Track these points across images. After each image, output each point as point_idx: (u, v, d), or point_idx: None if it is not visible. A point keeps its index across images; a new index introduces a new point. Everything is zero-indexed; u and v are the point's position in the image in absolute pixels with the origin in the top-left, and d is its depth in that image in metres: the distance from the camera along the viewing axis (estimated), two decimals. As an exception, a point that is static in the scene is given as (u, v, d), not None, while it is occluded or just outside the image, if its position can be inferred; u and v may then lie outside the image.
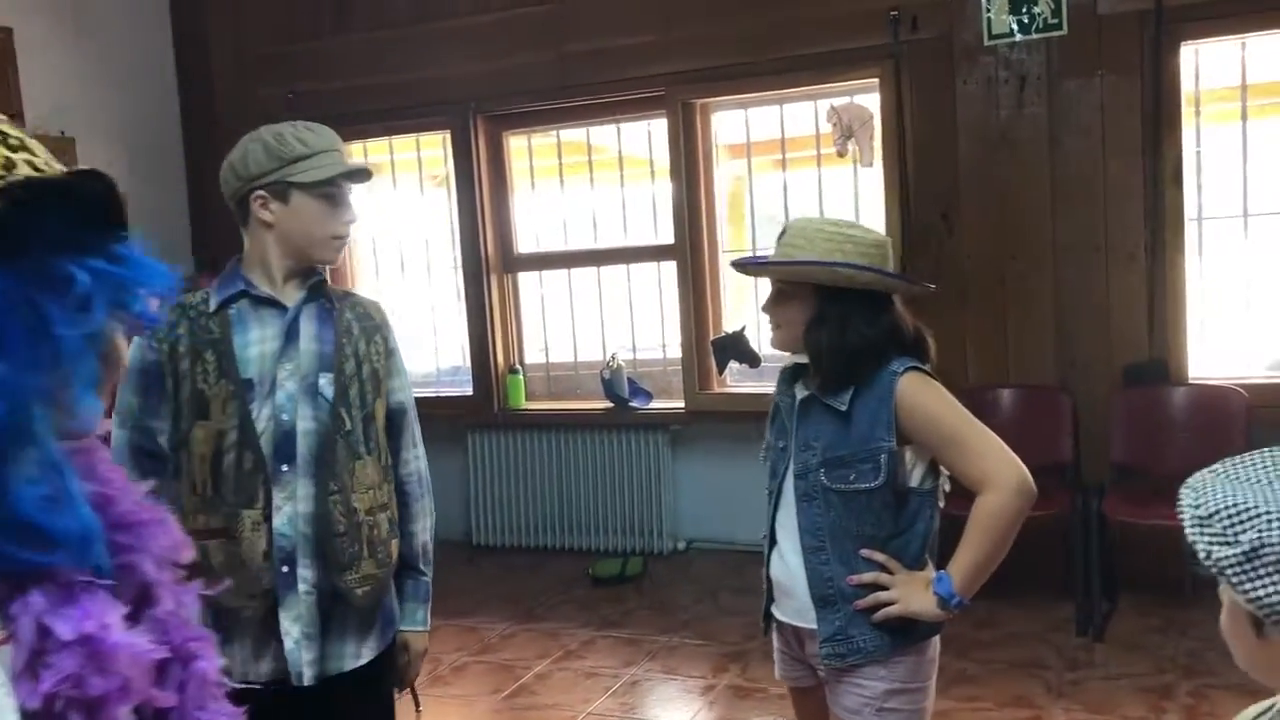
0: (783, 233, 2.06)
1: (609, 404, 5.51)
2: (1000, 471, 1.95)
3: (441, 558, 5.50)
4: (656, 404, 5.51)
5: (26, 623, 0.91)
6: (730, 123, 5.35)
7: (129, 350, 1.51)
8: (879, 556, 2.01)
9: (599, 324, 5.73)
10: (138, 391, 2.06)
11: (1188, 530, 1.09)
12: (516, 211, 5.77)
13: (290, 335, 2.08)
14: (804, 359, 2.08)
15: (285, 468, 2.03)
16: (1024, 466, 1.96)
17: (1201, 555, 1.08)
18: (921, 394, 1.99)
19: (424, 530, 2.29)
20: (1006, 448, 1.98)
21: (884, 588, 2.00)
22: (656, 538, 5.48)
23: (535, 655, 4.43)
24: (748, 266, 2.15)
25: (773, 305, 2.08)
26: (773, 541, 2.12)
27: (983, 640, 4.23)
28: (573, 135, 5.78)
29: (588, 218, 5.73)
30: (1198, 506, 1.10)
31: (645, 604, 4.96)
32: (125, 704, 0.97)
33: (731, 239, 5.45)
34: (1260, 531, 1.08)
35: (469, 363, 5.79)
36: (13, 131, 1.00)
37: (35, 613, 0.91)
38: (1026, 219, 4.68)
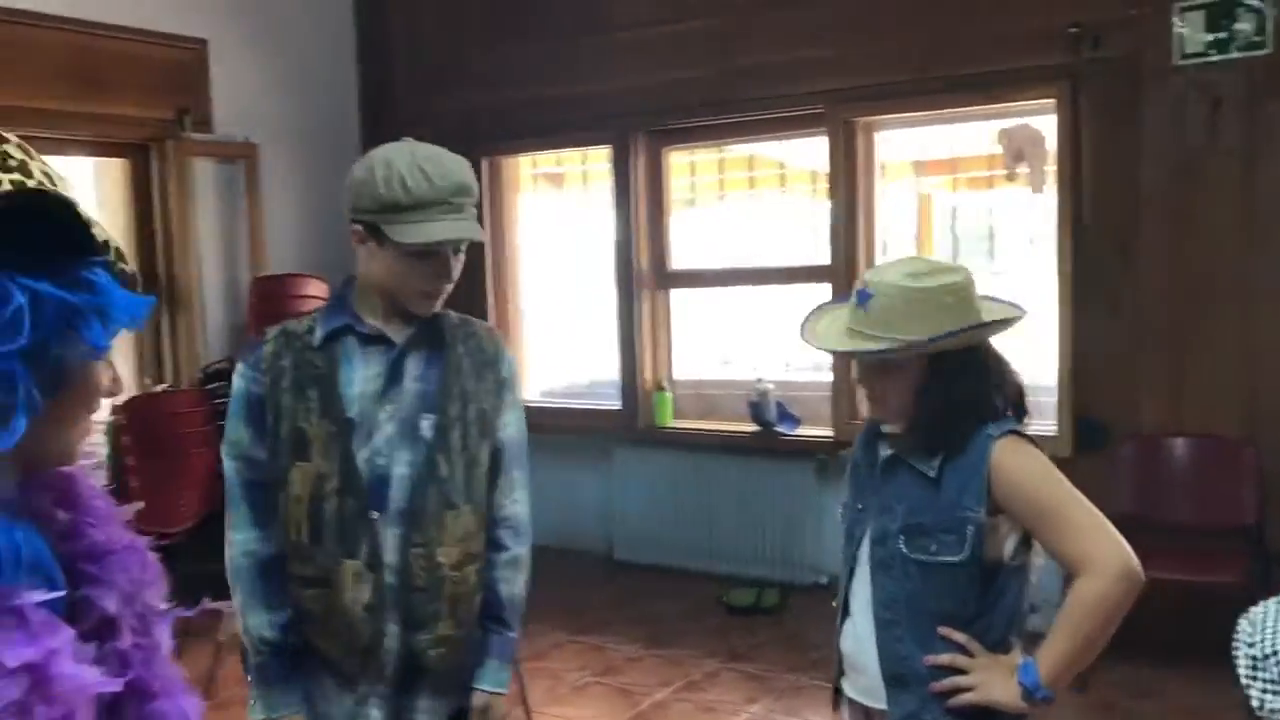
0: (865, 295, 1.84)
1: (756, 427, 5.37)
2: (1103, 553, 1.73)
3: (579, 572, 5.62)
4: (805, 431, 5.34)
5: None
6: (903, 140, 5.13)
7: (237, 382, 1.95)
8: (959, 636, 1.82)
9: (751, 344, 5.60)
10: (245, 422, 1.95)
11: (1240, 670, 0.91)
12: (673, 227, 5.70)
13: (394, 374, 1.94)
14: (895, 426, 1.91)
15: (375, 515, 1.91)
16: (1130, 550, 1.74)
17: (1254, 705, 0.90)
18: (1018, 461, 1.80)
19: (516, 582, 2.06)
20: (1111, 527, 1.76)
21: (963, 671, 1.81)
22: (796, 569, 5.30)
23: (658, 682, 4.34)
24: (850, 354, 1.93)
25: (875, 379, 1.89)
26: (846, 611, 1.96)
27: (1146, 712, 3.89)
28: (736, 150, 5.68)
29: (746, 235, 5.61)
30: (1253, 645, 0.91)
31: (777, 638, 4.80)
32: None
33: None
34: None
35: (619, 376, 5.75)
36: (15, 154, 1.01)
37: None
38: (1215, 254, 4.29)
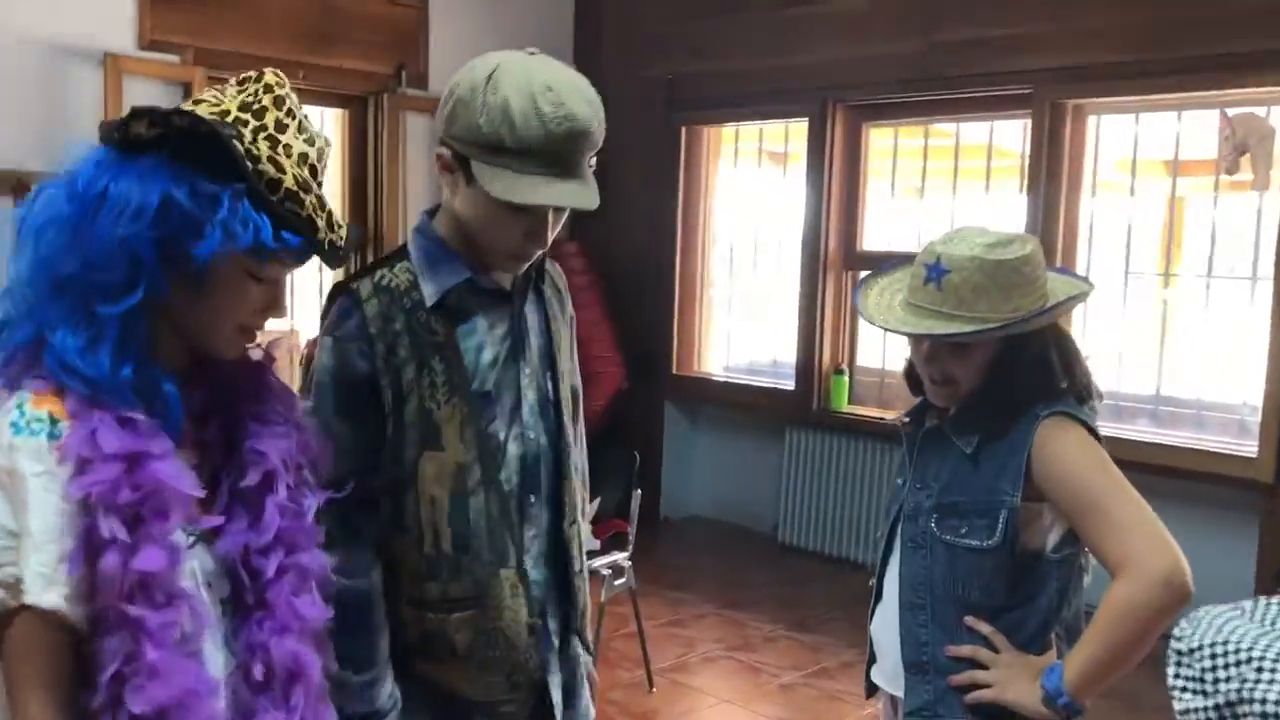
0: (939, 270, 1.69)
1: (932, 420, 5.14)
2: (1145, 555, 1.56)
3: (740, 549, 5.59)
4: (984, 428, 5.06)
5: (82, 433, 1.12)
6: (1125, 130, 4.74)
7: (325, 357, 1.62)
8: (985, 628, 1.69)
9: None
10: (344, 412, 1.57)
11: (1168, 666, 0.82)
12: (868, 207, 5.53)
13: (519, 331, 1.67)
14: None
15: (533, 499, 1.66)
16: (1178, 555, 1.56)
17: (1173, 700, 0.80)
18: (1062, 445, 1.65)
19: (586, 538, 1.86)
20: (1161, 528, 1.59)
21: (984, 666, 1.68)
22: (960, 571, 5.05)
23: (790, 665, 4.26)
24: (927, 338, 1.73)
25: (948, 361, 1.73)
26: (880, 594, 1.85)
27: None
28: (941, 138, 5.44)
29: (945, 222, 5.36)
30: (1180, 639, 0.82)
31: (925, 638, 4.60)
32: (161, 523, 1.14)
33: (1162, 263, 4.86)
34: (1244, 682, 0.77)
35: (796, 357, 5.64)
36: (208, 96, 1.26)
37: (89, 427, 1.12)
38: None
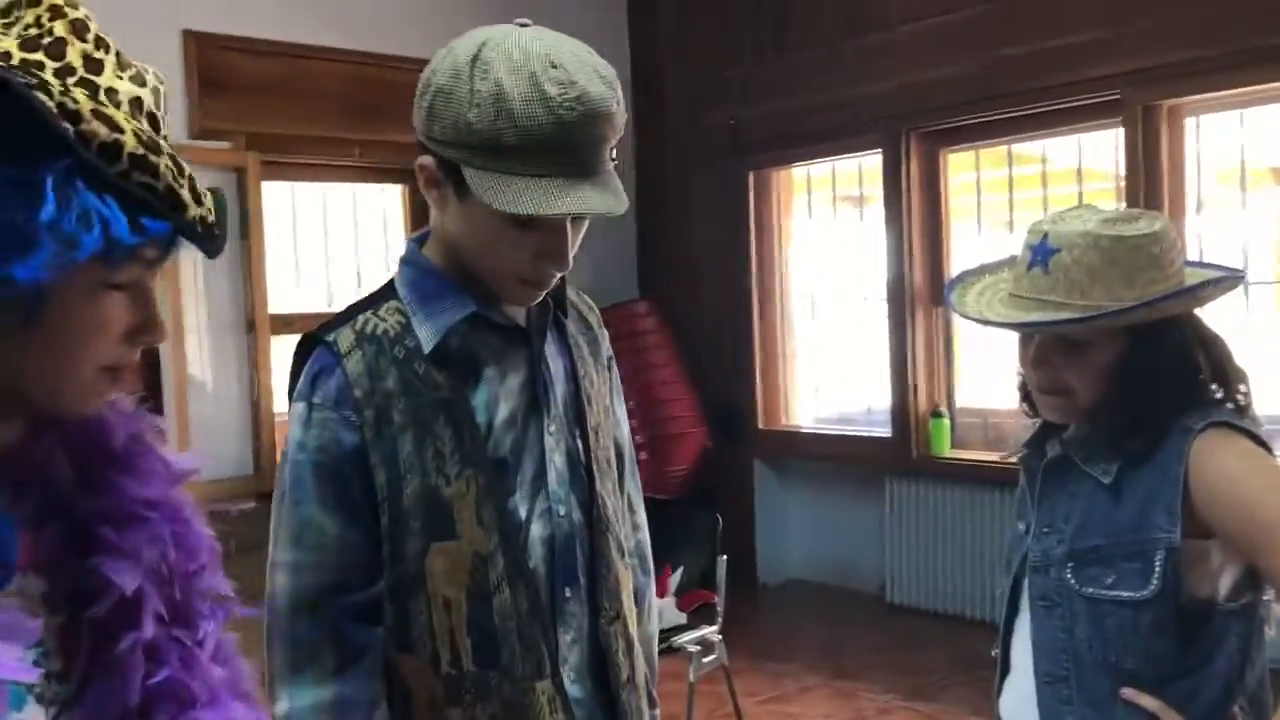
0: (1046, 250, 1.40)
1: (1043, 459, 4.75)
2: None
3: (845, 611, 5.20)
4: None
5: None
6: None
7: (298, 430, 1.26)
8: (1149, 702, 1.36)
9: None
10: (331, 505, 1.27)
11: None
12: (952, 236, 5.20)
13: (540, 379, 1.36)
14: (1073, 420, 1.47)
15: (569, 592, 1.34)
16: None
17: None
18: (1226, 462, 1.33)
19: (651, 634, 1.57)
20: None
21: (1152, 752, 1.35)
22: (1090, 623, 4.61)
23: (907, 740, 3.88)
24: (1039, 326, 1.43)
25: (1059, 362, 1.43)
26: (1006, 664, 1.53)
27: None
28: (1026, 155, 5.11)
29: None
30: None
31: (1058, 700, 4.17)
32: None
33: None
34: None
35: (890, 402, 5.29)
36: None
37: None
38: None
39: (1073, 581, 1.39)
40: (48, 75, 0.81)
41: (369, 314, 1.32)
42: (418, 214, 5.58)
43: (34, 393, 0.87)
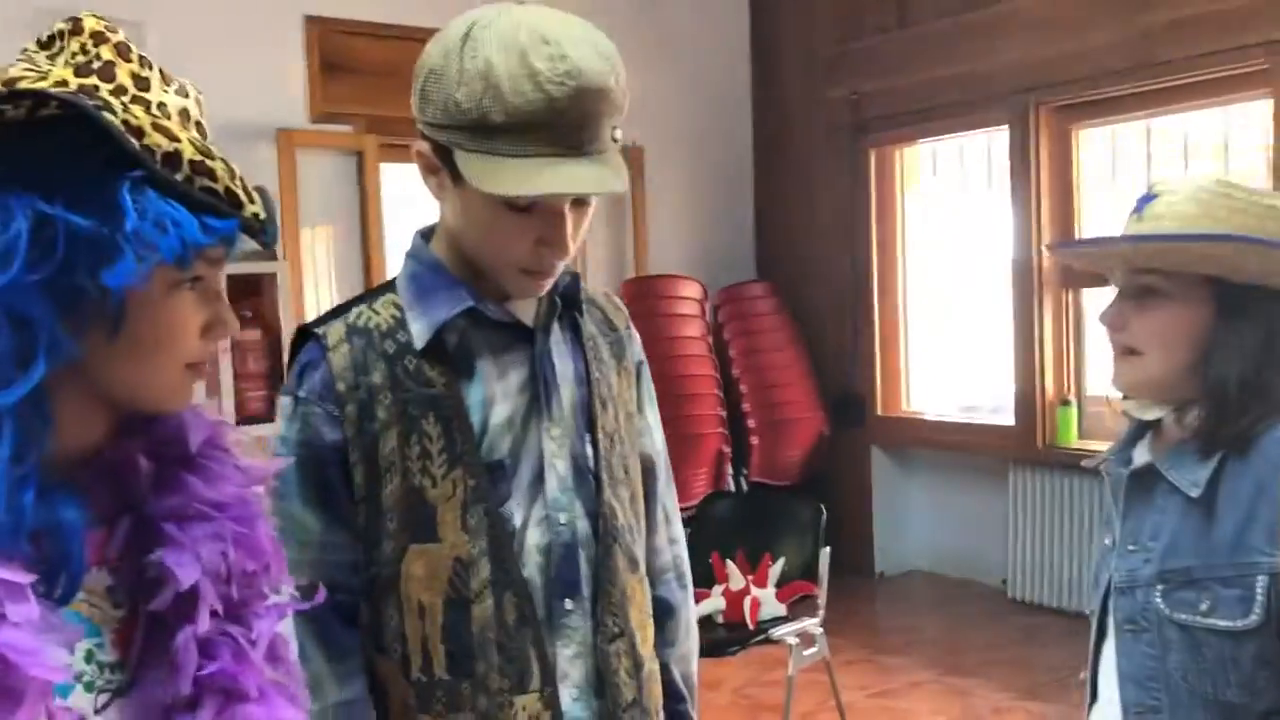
0: (1146, 199, 1.32)
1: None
2: None
3: (965, 606, 5.03)
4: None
5: None
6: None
7: (283, 424, 1.27)
8: (1247, 740, 1.24)
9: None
10: (314, 502, 1.25)
11: None
12: (1085, 217, 4.95)
13: (545, 378, 1.30)
14: (1158, 412, 1.35)
15: (570, 604, 1.28)
16: None
17: None
18: None
19: (692, 658, 1.51)
20: None
21: (1248, 794, 1.23)
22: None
23: (1021, 743, 3.72)
24: (1080, 249, 1.41)
25: (1132, 312, 1.32)
26: (1094, 693, 1.41)
27: None
28: (1166, 130, 4.82)
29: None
30: None
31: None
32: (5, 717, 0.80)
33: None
34: None
35: (1015, 389, 5.08)
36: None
37: None
38: None
39: (1162, 606, 1.28)
40: (107, 96, 0.87)
41: (363, 307, 1.29)
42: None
43: (123, 397, 0.92)
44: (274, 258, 4.64)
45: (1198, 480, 1.26)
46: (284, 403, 1.27)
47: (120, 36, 0.92)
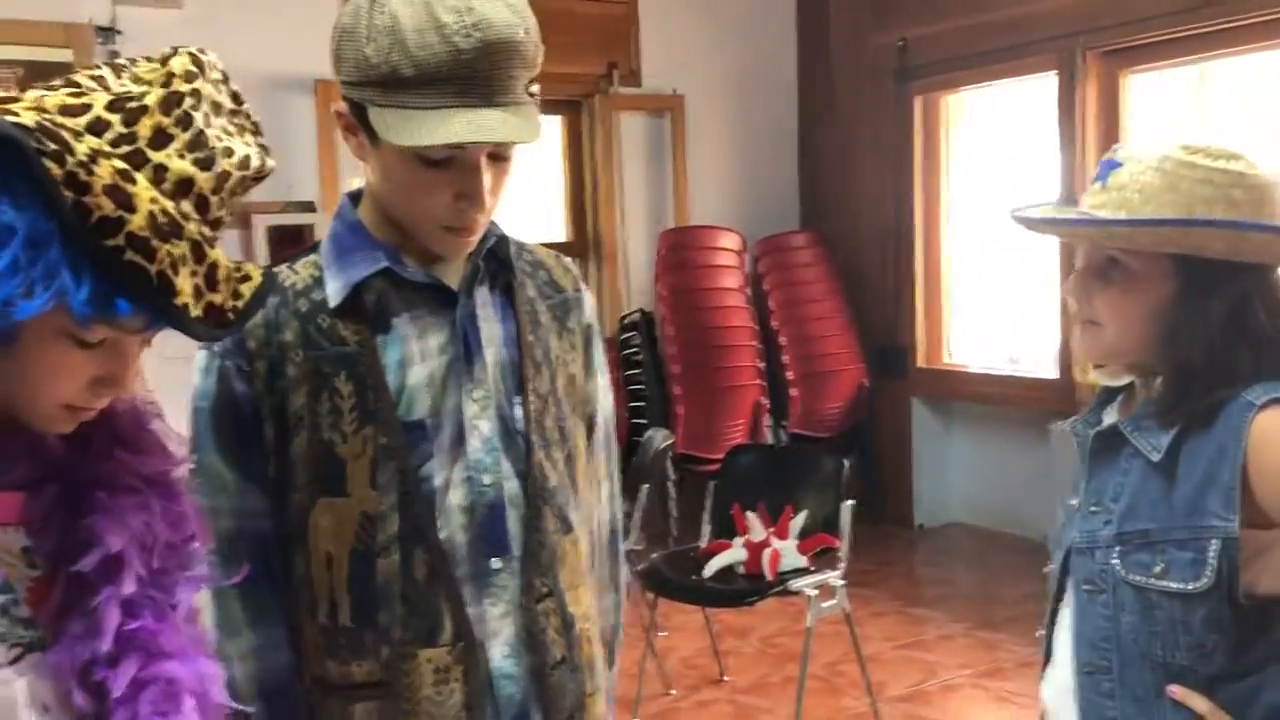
0: (1110, 165, 1.29)
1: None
2: None
3: (1001, 559, 5.00)
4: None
5: None
6: None
7: (199, 379, 1.29)
8: (1200, 703, 1.23)
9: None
10: (226, 451, 1.27)
11: None
12: (1132, 166, 4.81)
13: (470, 341, 1.31)
14: (1126, 378, 1.33)
15: (498, 563, 1.30)
16: None
17: None
18: None
19: (614, 608, 1.53)
20: None
21: (1196, 757, 1.22)
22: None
23: (1050, 696, 3.70)
24: (1050, 224, 1.39)
25: (1095, 287, 1.31)
26: (1049, 652, 1.41)
27: None
28: (1218, 77, 4.66)
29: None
30: None
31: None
32: None
33: None
34: None
35: (1058, 341, 5.00)
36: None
37: None
38: None
39: (1119, 567, 1.26)
40: (81, 143, 0.85)
41: (285, 267, 1.31)
42: (573, 146, 5.59)
43: (5, 402, 0.94)
44: (313, 210, 4.71)
45: (1159, 445, 1.25)
46: (200, 357, 1.29)
47: (187, 86, 0.93)
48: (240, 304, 0.94)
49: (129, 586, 0.95)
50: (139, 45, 4.34)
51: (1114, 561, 1.28)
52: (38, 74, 4.18)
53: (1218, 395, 1.21)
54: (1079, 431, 1.40)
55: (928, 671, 3.90)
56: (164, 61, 0.95)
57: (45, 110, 0.88)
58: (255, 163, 0.97)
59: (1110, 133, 4.77)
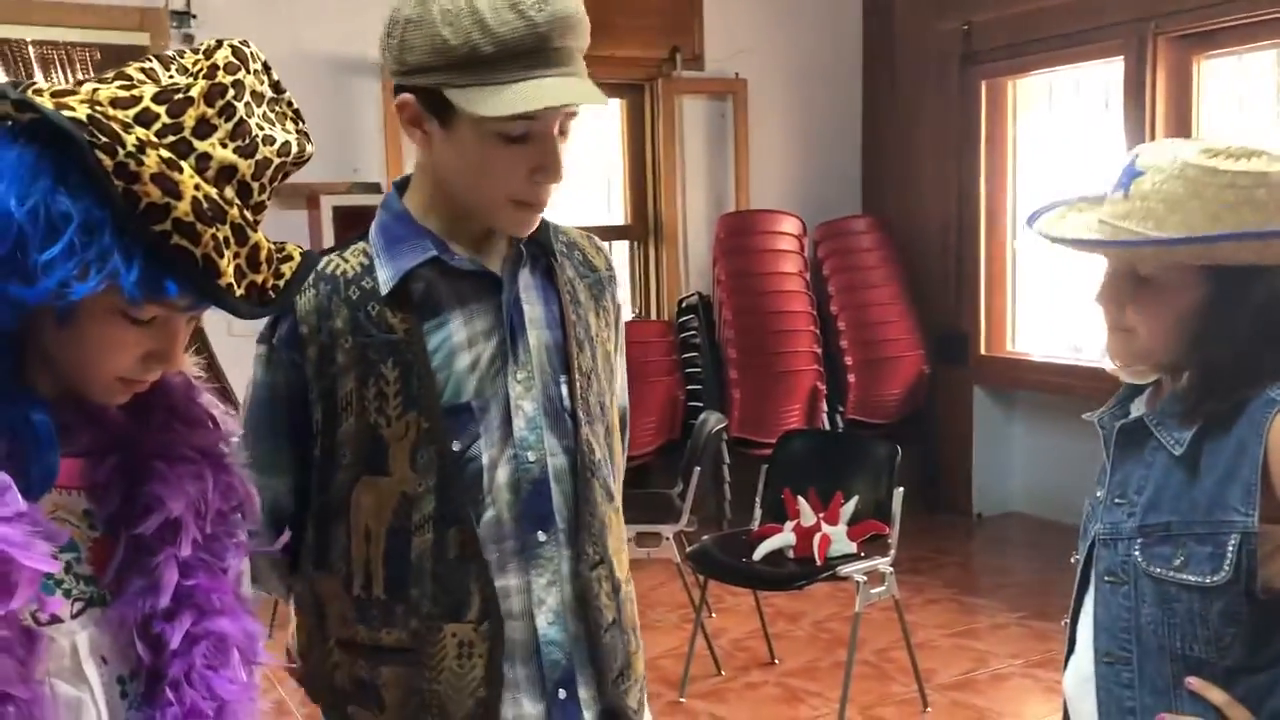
0: (1131, 173, 1.27)
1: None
2: None
3: (1052, 548, 4.95)
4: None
5: None
6: None
7: (256, 366, 1.37)
8: (1216, 695, 1.24)
9: None
10: (275, 432, 1.36)
11: None
12: (1203, 153, 4.72)
13: (515, 324, 1.36)
14: (1152, 377, 1.34)
15: (543, 536, 1.36)
16: None
17: None
18: None
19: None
20: None
21: (1212, 747, 1.23)
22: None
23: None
24: (1077, 244, 1.34)
25: (1125, 297, 1.31)
26: (1072, 642, 1.42)
27: None
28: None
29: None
30: None
31: None
32: None
33: None
34: None
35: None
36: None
37: None
38: None
39: (1140, 559, 1.27)
40: (131, 134, 0.92)
41: (334, 255, 1.37)
42: (635, 129, 5.62)
43: (64, 374, 1.01)
44: (379, 191, 4.81)
45: (1182, 439, 1.25)
46: (260, 348, 1.37)
47: (229, 77, 0.98)
48: (281, 283, 1.01)
49: (186, 548, 1.03)
50: (213, 29, 4.46)
51: (1135, 554, 1.29)
52: (114, 57, 4.34)
53: (1242, 394, 1.22)
54: (1104, 424, 1.41)
55: (978, 660, 3.89)
56: (208, 54, 1.00)
57: (98, 103, 0.94)
58: (295, 149, 1.03)
59: (1183, 119, 4.67)
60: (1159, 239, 1.22)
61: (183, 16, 4.44)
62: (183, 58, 1.02)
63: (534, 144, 1.27)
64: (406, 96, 1.29)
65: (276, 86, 1.06)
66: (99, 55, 4.33)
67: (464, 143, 1.27)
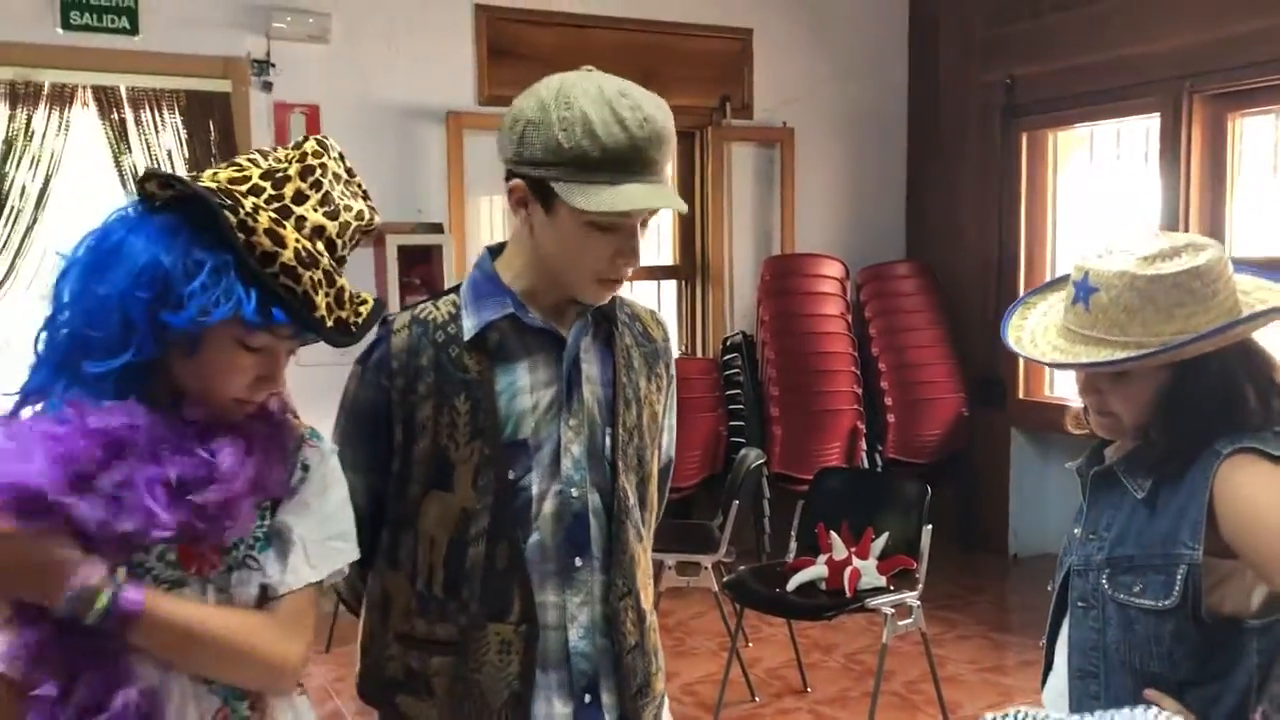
0: (1085, 289, 1.44)
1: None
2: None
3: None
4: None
5: None
6: None
7: (352, 383, 1.60)
8: (1169, 704, 1.40)
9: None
10: (362, 437, 1.57)
11: None
12: (1237, 206, 4.84)
13: (571, 379, 1.57)
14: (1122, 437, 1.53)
15: (579, 561, 1.57)
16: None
17: None
18: (1248, 487, 1.35)
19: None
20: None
21: (1166, 751, 1.39)
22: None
23: None
24: (1061, 367, 1.55)
25: (1105, 391, 1.50)
26: (1050, 660, 1.60)
27: None
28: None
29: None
30: None
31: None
32: None
33: None
34: None
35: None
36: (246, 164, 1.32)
37: None
38: None
39: (1107, 587, 1.45)
40: (247, 200, 1.23)
41: (430, 303, 1.60)
42: (684, 174, 5.84)
43: (193, 395, 1.27)
44: (441, 231, 5.07)
45: (1144, 485, 1.44)
46: (355, 369, 1.60)
47: (317, 161, 1.30)
48: (359, 320, 1.30)
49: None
50: (290, 78, 4.77)
51: (1103, 582, 1.47)
52: (198, 103, 4.65)
53: (1197, 450, 1.40)
54: (1081, 471, 1.59)
55: (1004, 694, 4.01)
56: (298, 146, 1.33)
57: (219, 181, 1.25)
58: (366, 216, 1.35)
59: (1218, 174, 4.81)
60: (1143, 354, 1.40)
61: (263, 65, 4.74)
62: (277, 150, 1.33)
63: (620, 233, 1.49)
64: (518, 182, 1.51)
65: (349, 171, 1.37)
66: (184, 100, 4.61)
67: (562, 226, 1.49)
